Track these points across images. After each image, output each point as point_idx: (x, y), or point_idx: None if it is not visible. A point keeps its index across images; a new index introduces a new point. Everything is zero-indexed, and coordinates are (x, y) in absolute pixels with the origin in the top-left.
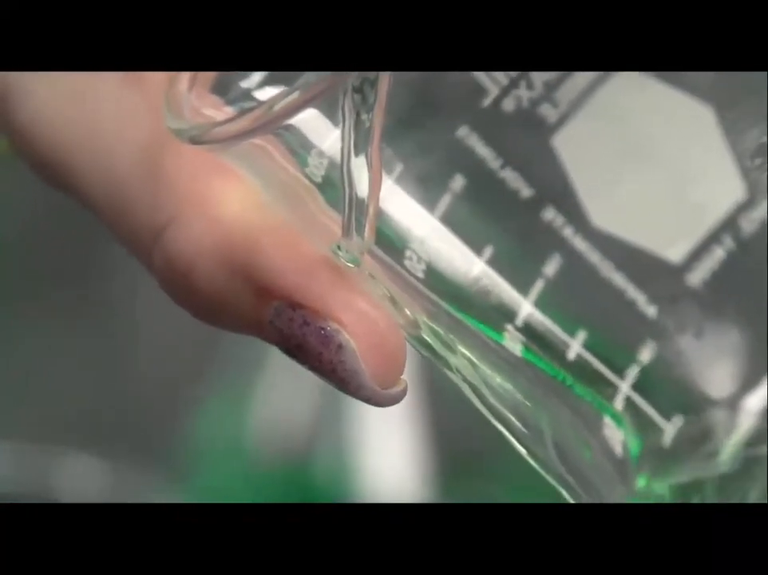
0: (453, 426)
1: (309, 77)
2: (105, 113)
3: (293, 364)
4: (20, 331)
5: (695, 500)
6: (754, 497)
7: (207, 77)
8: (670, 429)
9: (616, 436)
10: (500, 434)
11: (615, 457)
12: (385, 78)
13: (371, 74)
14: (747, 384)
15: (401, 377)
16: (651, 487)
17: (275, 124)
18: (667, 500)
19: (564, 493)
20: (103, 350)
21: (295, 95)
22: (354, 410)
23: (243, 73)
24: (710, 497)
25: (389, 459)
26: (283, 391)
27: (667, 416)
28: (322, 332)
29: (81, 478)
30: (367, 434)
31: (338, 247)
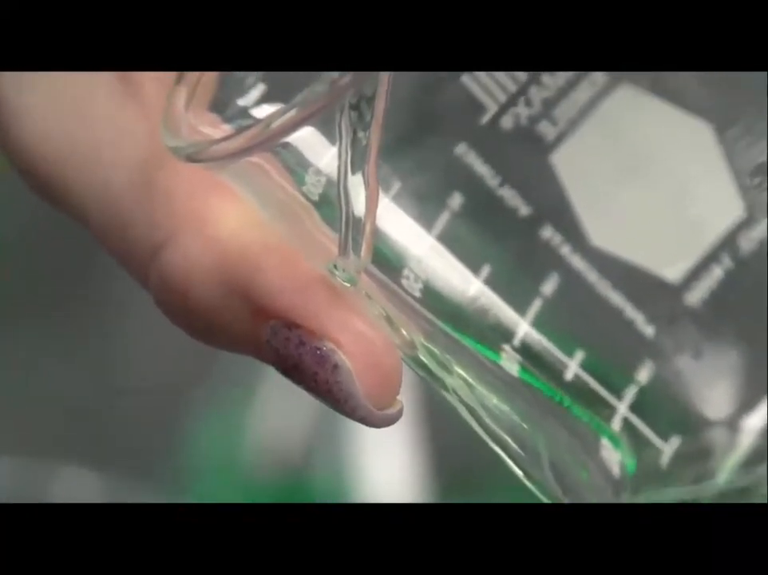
0: (449, 442)
1: (306, 94)
2: (102, 131)
3: (288, 381)
4: (16, 339)
5: None
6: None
7: (205, 94)
8: (667, 449)
9: (613, 457)
10: (496, 453)
11: (612, 478)
12: (382, 96)
13: (368, 91)
14: (746, 404)
15: (397, 398)
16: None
17: (272, 141)
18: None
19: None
20: (98, 364)
21: (292, 113)
22: (351, 425)
23: (240, 90)
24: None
25: (385, 474)
26: (279, 405)
27: (665, 437)
28: (318, 352)
29: (76, 490)
30: (364, 449)
31: (335, 266)
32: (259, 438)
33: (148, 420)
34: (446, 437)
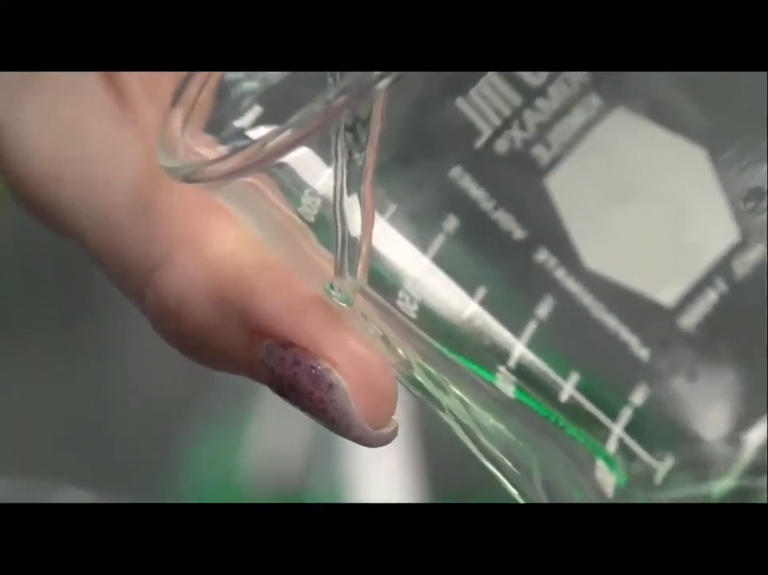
0: (445, 461)
1: (301, 114)
2: (98, 151)
3: None
4: (17, 352)
5: None
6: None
7: (201, 115)
8: (662, 469)
9: (608, 479)
10: (490, 470)
11: (606, 498)
12: (377, 117)
13: (363, 114)
14: (740, 425)
15: (392, 417)
16: None
17: (267, 162)
18: None
19: None
20: (93, 383)
21: (288, 133)
22: (347, 445)
23: (236, 112)
24: None
25: (381, 493)
26: (276, 425)
27: (660, 457)
28: (313, 371)
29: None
30: (360, 468)
31: (331, 287)
32: (256, 457)
33: (145, 438)
34: (442, 453)
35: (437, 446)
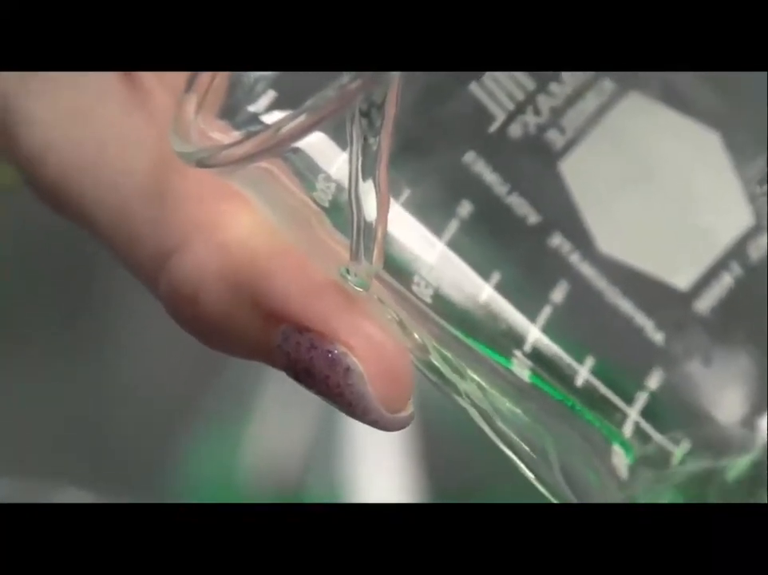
0: (444, 461)
1: (316, 99)
2: (111, 138)
3: (286, 397)
4: (17, 351)
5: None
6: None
7: (215, 101)
8: (678, 452)
9: (623, 462)
10: (495, 463)
11: (622, 481)
12: (392, 102)
13: (377, 99)
14: (755, 409)
15: (409, 401)
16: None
17: (281, 146)
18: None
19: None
20: (95, 381)
21: (302, 118)
22: (347, 445)
23: (250, 97)
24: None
25: (381, 492)
26: (275, 425)
27: (676, 441)
28: (330, 355)
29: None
30: (359, 468)
31: (347, 271)
32: (255, 457)
33: (144, 438)
34: (443, 452)
35: (436, 445)
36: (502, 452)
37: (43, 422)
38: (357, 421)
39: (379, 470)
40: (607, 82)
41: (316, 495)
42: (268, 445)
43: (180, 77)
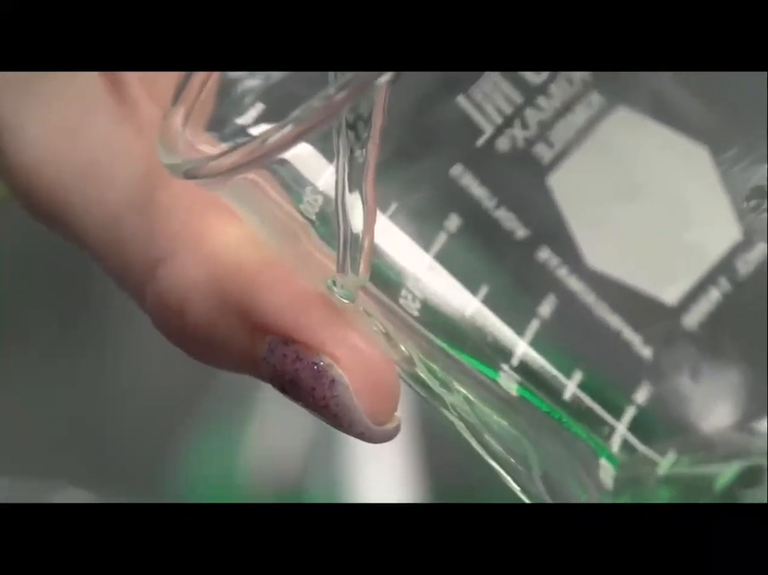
0: (445, 460)
1: (302, 110)
2: (99, 151)
3: (285, 398)
4: (17, 352)
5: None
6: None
7: (202, 113)
8: (664, 464)
9: (610, 475)
10: (492, 468)
11: (607, 492)
12: (378, 114)
13: (364, 112)
14: (744, 419)
15: (395, 413)
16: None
17: (268, 157)
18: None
19: None
20: (94, 382)
21: (288, 128)
22: (346, 445)
23: (238, 109)
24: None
25: (380, 493)
26: (275, 425)
27: (662, 453)
28: (315, 367)
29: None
30: (359, 468)
31: (333, 283)
32: (255, 457)
33: (144, 438)
34: (442, 453)
35: (436, 446)
36: None
37: (43, 422)
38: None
39: (379, 470)
40: (595, 96)
41: (316, 495)
42: (268, 445)
43: (168, 90)
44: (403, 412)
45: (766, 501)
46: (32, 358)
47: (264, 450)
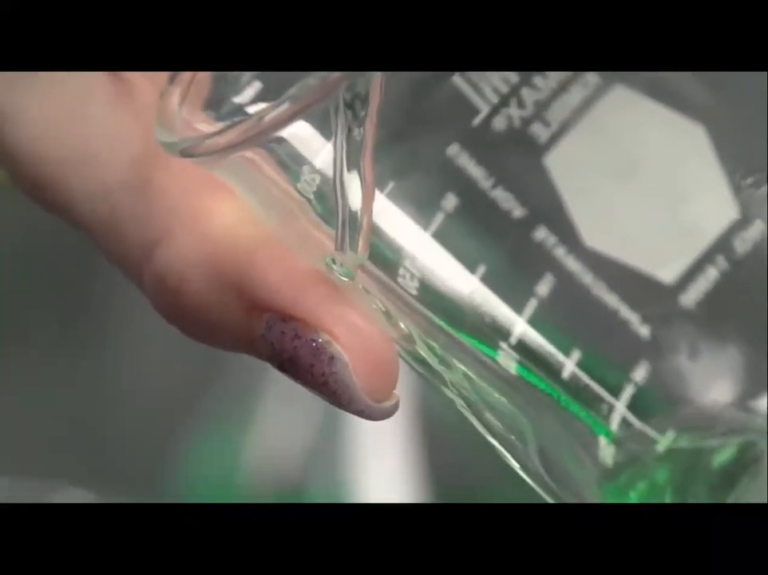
0: (446, 460)
1: (298, 88)
2: (96, 131)
3: (287, 397)
4: (18, 351)
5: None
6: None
7: (199, 92)
8: (663, 441)
9: (609, 453)
10: (497, 465)
11: (606, 469)
12: (376, 93)
13: (362, 91)
14: (741, 401)
15: (394, 391)
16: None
17: (264, 135)
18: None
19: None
20: (93, 384)
21: (285, 106)
22: (347, 445)
23: (235, 88)
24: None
25: (383, 493)
26: (276, 425)
27: (661, 431)
28: (314, 344)
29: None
30: (360, 468)
31: (332, 261)
32: (256, 457)
33: (145, 438)
34: (445, 451)
35: (438, 445)
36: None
37: (43, 422)
38: (348, 413)
39: (380, 470)
40: (591, 76)
41: (317, 495)
42: (269, 445)
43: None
44: (404, 411)
45: (765, 501)
46: (32, 358)
47: (265, 449)
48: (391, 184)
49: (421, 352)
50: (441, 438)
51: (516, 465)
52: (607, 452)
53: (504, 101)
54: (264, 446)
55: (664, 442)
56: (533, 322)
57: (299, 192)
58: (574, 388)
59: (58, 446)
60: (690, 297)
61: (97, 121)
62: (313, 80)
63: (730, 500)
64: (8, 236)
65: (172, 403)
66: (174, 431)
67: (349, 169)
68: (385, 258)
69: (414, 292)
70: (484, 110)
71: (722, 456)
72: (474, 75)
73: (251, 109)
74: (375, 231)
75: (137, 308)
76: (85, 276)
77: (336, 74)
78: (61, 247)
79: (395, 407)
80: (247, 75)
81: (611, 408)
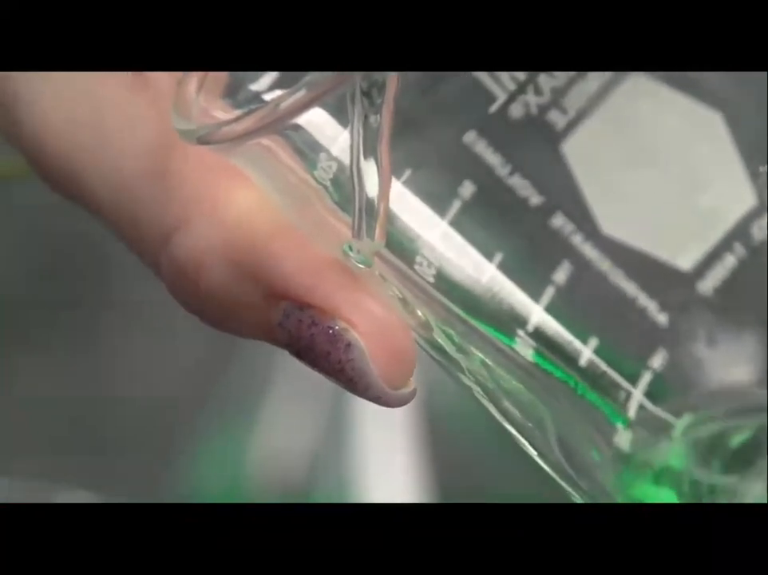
0: (452, 461)
1: (315, 75)
2: (112, 118)
3: (293, 397)
4: (20, 349)
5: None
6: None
7: (217, 80)
8: (680, 425)
9: (626, 439)
10: (502, 465)
11: (623, 455)
12: (393, 82)
13: (379, 78)
14: (758, 387)
15: (411, 378)
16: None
17: (281, 122)
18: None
19: (573, 493)
20: (95, 384)
21: (301, 93)
22: (353, 445)
23: (252, 75)
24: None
25: (389, 493)
26: (282, 425)
27: (678, 414)
28: (330, 331)
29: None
30: (366, 468)
31: (350, 248)
32: (261, 456)
33: (150, 438)
34: (451, 452)
35: (444, 446)
36: (510, 452)
37: (43, 422)
38: (353, 414)
39: (386, 470)
40: None
41: (323, 495)
42: (275, 445)
43: None
44: (410, 412)
45: (766, 501)
46: (32, 358)
47: (270, 450)
48: (408, 172)
49: (439, 339)
50: (446, 438)
51: (534, 453)
52: (624, 438)
53: (521, 88)
54: (269, 446)
55: (680, 425)
56: (550, 309)
57: (316, 180)
58: (591, 375)
59: (61, 446)
60: (708, 284)
61: (114, 108)
62: None
63: (747, 482)
64: (9, 236)
65: (177, 403)
66: (179, 431)
67: (366, 156)
68: (402, 245)
69: (431, 280)
70: (501, 97)
71: (738, 439)
72: None
73: (268, 97)
74: (392, 218)
75: (140, 308)
76: (86, 276)
77: None
78: (61, 248)
79: (412, 394)
80: None
81: (628, 395)
